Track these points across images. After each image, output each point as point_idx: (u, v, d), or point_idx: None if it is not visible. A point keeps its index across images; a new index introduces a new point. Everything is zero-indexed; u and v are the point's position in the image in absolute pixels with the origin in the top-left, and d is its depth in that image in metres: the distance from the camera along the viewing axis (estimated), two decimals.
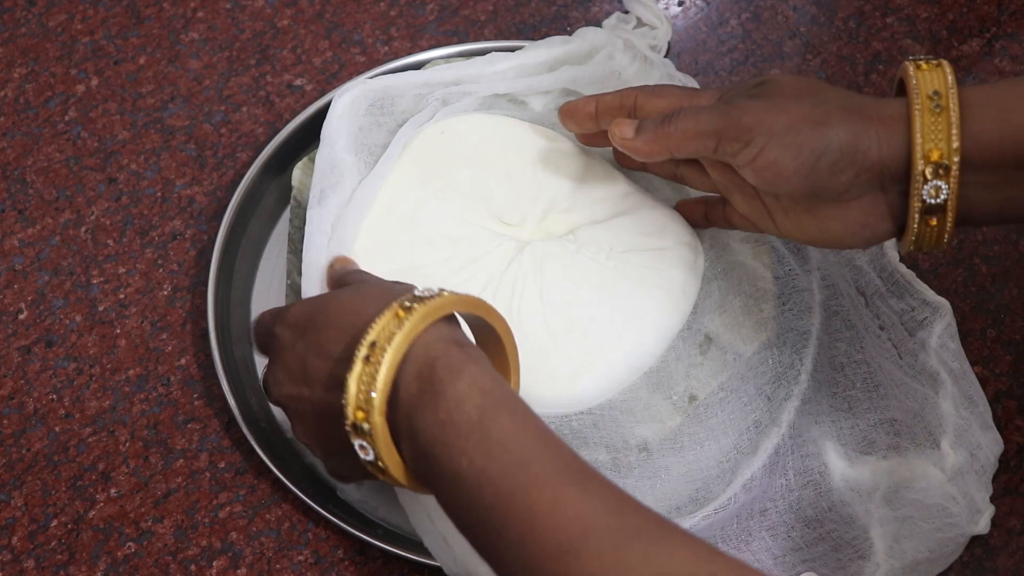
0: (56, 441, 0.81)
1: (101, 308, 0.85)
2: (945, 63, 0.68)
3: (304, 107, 0.88)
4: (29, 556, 0.79)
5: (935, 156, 0.66)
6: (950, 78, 0.67)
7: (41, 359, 0.83)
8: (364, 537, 0.78)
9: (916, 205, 0.68)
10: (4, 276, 0.85)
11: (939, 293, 0.85)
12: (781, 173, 0.69)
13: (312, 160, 0.85)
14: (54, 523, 0.79)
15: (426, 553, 0.78)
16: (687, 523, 0.77)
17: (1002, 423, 0.80)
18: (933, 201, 0.67)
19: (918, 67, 0.68)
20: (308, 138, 0.87)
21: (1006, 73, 0.90)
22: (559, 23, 0.94)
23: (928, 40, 0.91)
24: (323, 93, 0.88)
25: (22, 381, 0.83)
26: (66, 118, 0.90)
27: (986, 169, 0.67)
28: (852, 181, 0.68)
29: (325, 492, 0.80)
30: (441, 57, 0.89)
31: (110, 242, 0.86)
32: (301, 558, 0.79)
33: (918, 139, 0.67)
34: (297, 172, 0.85)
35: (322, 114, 0.87)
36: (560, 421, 0.78)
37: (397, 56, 0.91)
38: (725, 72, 0.92)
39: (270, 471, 0.79)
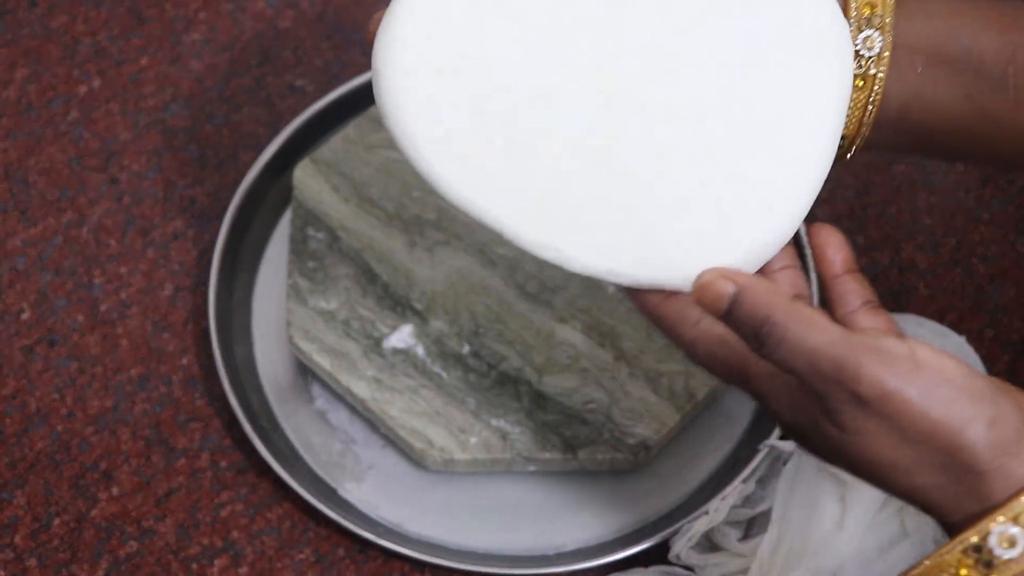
0: (58, 440, 0.82)
1: (103, 308, 0.85)
2: None
3: (305, 108, 0.88)
4: (31, 555, 0.79)
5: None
6: None
7: (43, 359, 0.84)
8: (365, 535, 0.78)
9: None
10: (7, 276, 0.86)
11: (936, 293, 0.85)
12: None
13: (313, 161, 0.85)
14: (56, 522, 0.80)
15: (426, 551, 0.78)
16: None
17: None
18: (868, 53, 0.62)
19: None
20: (309, 139, 0.87)
21: None
22: None
23: None
24: (324, 94, 0.89)
25: (24, 380, 0.83)
26: (68, 119, 0.90)
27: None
28: None
29: (326, 491, 0.80)
30: None
31: (112, 242, 0.87)
32: (302, 556, 0.79)
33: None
34: (298, 172, 0.85)
35: (323, 115, 0.88)
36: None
37: None
38: None
39: (271, 470, 0.79)
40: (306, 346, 0.81)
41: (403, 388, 0.80)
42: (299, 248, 0.83)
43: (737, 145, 0.59)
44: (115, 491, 0.80)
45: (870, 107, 0.61)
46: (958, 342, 0.79)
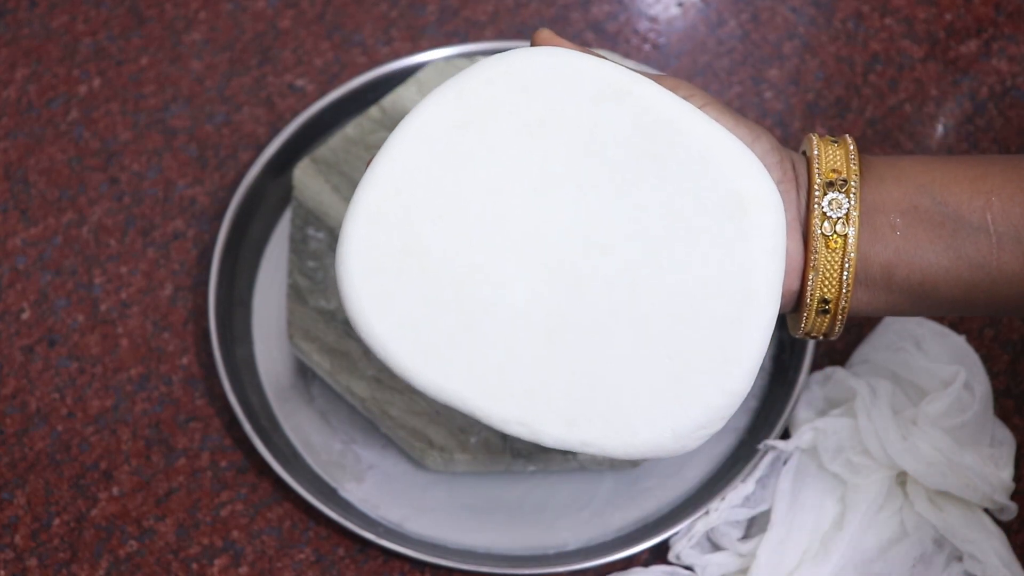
0: (58, 440, 0.82)
1: (103, 308, 0.85)
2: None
3: (305, 107, 0.88)
4: (32, 555, 0.79)
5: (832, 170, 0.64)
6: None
7: (43, 358, 0.84)
8: (365, 535, 0.78)
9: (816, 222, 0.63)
10: (7, 276, 0.86)
11: None
12: None
13: (313, 160, 0.85)
14: (56, 522, 0.80)
15: (426, 551, 0.78)
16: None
17: None
18: (834, 214, 0.63)
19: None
20: (309, 138, 0.88)
21: (1003, 74, 0.91)
22: (559, 24, 0.94)
23: (926, 41, 0.92)
24: (324, 94, 0.89)
25: (24, 380, 0.83)
26: (68, 119, 0.90)
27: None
28: None
29: (326, 491, 0.80)
30: (442, 59, 0.90)
31: (112, 242, 0.87)
32: (302, 556, 0.79)
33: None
34: (298, 172, 0.85)
35: (323, 115, 0.88)
36: None
37: (398, 56, 0.91)
38: (724, 73, 0.92)
39: (271, 470, 0.79)
40: (306, 346, 0.81)
41: (403, 388, 0.80)
42: (299, 248, 0.83)
43: (677, 311, 0.62)
44: (115, 491, 0.81)
45: (847, 267, 0.62)
46: (958, 342, 0.79)
